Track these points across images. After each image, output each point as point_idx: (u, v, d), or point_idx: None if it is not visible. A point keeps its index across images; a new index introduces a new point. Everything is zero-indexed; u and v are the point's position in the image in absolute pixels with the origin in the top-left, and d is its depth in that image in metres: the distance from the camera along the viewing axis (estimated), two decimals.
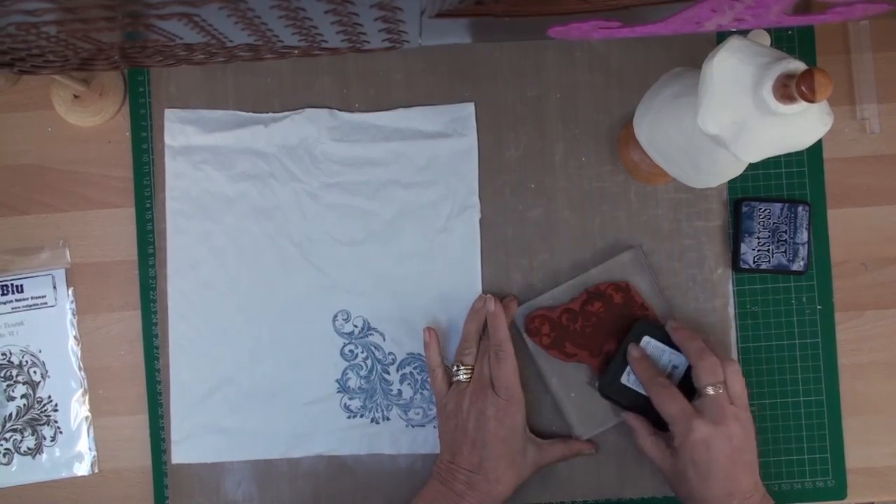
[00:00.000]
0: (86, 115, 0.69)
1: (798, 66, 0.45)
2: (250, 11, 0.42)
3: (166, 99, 0.69)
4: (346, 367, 0.68)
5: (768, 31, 0.66)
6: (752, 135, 0.47)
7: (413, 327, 0.68)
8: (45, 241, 0.70)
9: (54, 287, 0.69)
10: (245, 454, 0.68)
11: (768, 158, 0.49)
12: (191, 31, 0.45)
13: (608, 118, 0.68)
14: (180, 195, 0.68)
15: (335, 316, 0.68)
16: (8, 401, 0.69)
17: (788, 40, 0.69)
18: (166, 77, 0.69)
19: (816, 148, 0.68)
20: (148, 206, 0.69)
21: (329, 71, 0.69)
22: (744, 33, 0.64)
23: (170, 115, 0.69)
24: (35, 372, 0.69)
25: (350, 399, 0.68)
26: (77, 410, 0.69)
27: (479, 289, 0.68)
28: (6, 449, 0.69)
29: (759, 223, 0.67)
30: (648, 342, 0.64)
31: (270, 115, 0.69)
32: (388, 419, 0.68)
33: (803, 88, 0.43)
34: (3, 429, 0.69)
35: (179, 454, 0.68)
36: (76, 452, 0.69)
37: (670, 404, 0.59)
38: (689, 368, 0.62)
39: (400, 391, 0.68)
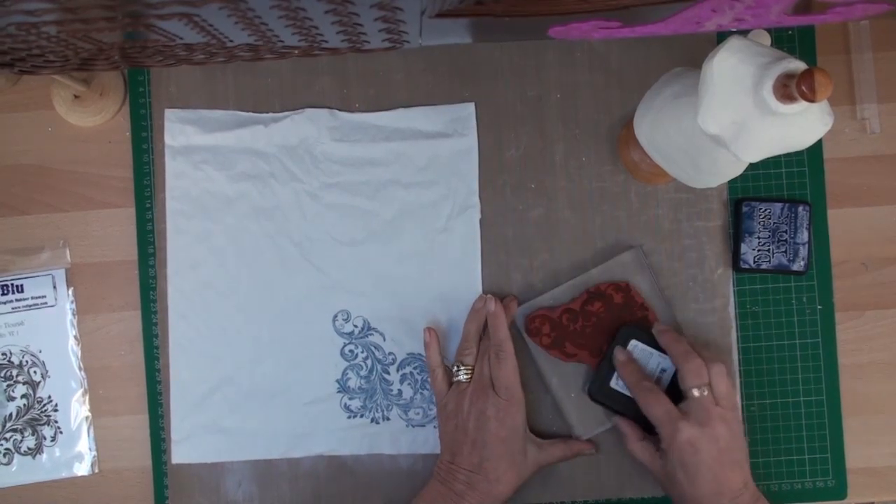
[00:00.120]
0: (86, 115, 0.69)
1: (798, 65, 0.45)
2: (250, 11, 0.42)
3: (166, 99, 0.69)
4: (346, 367, 0.68)
5: (768, 31, 0.66)
6: (753, 135, 0.47)
7: (413, 327, 0.68)
8: (45, 241, 0.70)
9: (54, 287, 0.69)
10: (245, 454, 0.68)
11: (768, 158, 0.49)
12: (191, 31, 0.45)
13: (608, 118, 0.68)
14: (180, 195, 0.68)
15: (335, 316, 0.68)
16: (8, 401, 0.69)
17: (789, 40, 0.69)
18: (166, 77, 0.69)
19: (817, 148, 0.68)
20: (148, 206, 0.69)
21: (329, 71, 0.69)
22: (744, 33, 0.64)
23: (170, 115, 0.69)
24: (35, 372, 0.69)
25: (350, 399, 0.68)
26: (77, 410, 0.69)
27: (479, 289, 0.68)
28: (6, 449, 0.69)
29: (759, 223, 0.67)
30: (636, 346, 0.64)
31: (270, 115, 0.69)
32: (388, 419, 0.68)
33: (804, 88, 0.43)
34: (3, 429, 0.69)
35: (179, 454, 0.68)
36: (76, 452, 0.69)
37: (656, 407, 0.60)
38: (677, 372, 0.62)
39: (400, 391, 0.68)
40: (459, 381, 0.64)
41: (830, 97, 0.43)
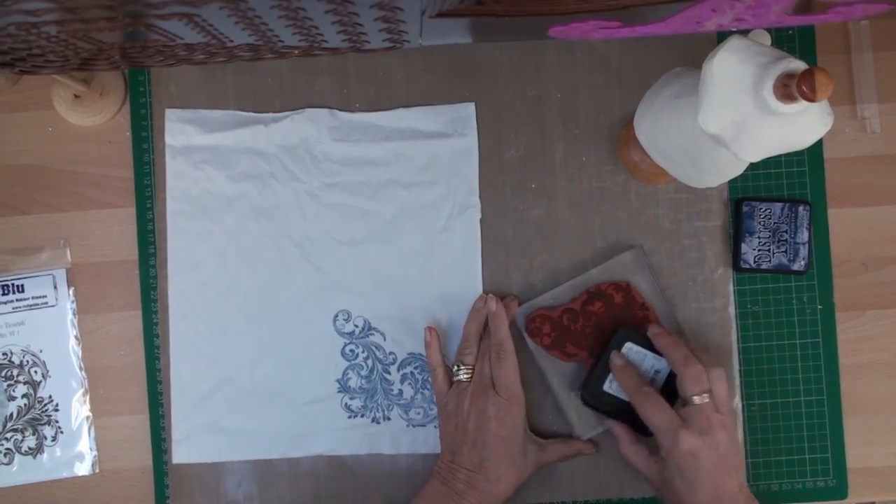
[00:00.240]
0: (86, 114, 0.69)
1: (799, 65, 0.45)
2: (250, 11, 0.42)
3: (167, 99, 0.69)
4: (346, 367, 0.68)
5: (769, 30, 0.66)
6: (753, 134, 0.47)
7: (414, 327, 0.68)
8: (45, 241, 0.70)
9: (55, 287, 0.69)
10: (245, 454, 0.68)
11: (768, 158, 0.49)
12: (191, 31, 0.45)
13: (608, 118, 0.68)
14: (180, 195, 0.69)
15: (336, 316, 0.68)
16: (9, 400, 0.69)
17: (789, 40, 0.69)
18: (167, 77, 0.69)
19: (817, 148, 0.68)
20: (148, 206, 0.69)
21: (329, 71, 0.69)
22: (744, 33, 0.64)
23: (170, 114, 0.69)
24: (36, 372, 0.69)
25: (351, 399, 0.68)
26: (78, 410, 0.69)
27: (479, 289, 0.68)
28: (7, 449, 0.69)
29: (759, 223, 0.67)
30: (630, 348, 0.64)
31: (271, 114, 0.69)
32: (388, 419, 0.68)
33: (804, 88, 0.43)
34: (3, 428, 0.69)
35: (180, 454, 0.68)
36: (77, 452, 0.69)
37: (657, 415, 0.59)
38: (671, 373, 0.62)
39: (401, 391, 0.68)
40: (460, 381, 0.64)
41: (830, 97, 0.43)
